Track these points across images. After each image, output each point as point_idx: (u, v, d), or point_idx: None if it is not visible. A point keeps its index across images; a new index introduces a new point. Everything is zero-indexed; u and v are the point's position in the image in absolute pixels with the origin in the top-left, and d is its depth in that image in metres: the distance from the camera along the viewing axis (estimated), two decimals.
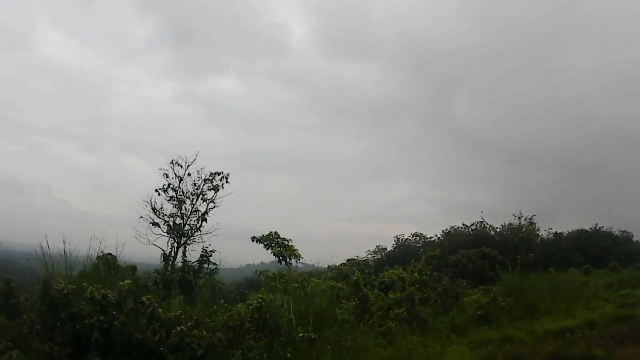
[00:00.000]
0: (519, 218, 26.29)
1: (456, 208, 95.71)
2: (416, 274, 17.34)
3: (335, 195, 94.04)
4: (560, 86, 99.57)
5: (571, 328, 11.97)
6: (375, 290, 14.31)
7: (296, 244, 12.86)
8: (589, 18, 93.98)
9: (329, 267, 18.07)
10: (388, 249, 45.23)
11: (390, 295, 13.55)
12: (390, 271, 19.27)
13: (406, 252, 41.10)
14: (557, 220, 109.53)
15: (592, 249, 43.80)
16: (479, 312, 12.53)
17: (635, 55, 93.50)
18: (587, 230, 46.61)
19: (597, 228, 46.91)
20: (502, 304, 12.93)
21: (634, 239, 48.76)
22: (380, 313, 11.47)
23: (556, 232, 46.62)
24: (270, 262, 13.62)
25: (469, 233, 37.85)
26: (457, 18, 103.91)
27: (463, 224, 39.36)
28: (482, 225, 37.77)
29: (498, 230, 37.25)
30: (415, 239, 43.79)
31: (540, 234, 38.82)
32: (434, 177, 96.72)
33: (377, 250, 45.91)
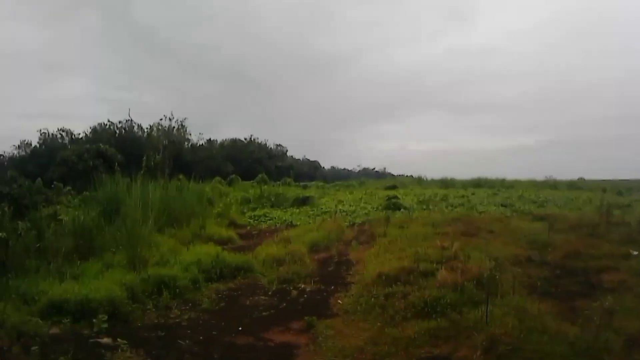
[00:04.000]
0: (170, 119, 22.72)
1: (126, 108, 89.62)
2: None
3: (10, 89, 70.76)
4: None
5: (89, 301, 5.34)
6: None
7: None
8: None
9: None
10: (33, 145, 39.12)
11: None
12: None
13: (52, 148, 34.90)
14: (219, 129, 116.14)
15: (245, 159, 44.84)
16: None
17: None
18: (242, 140, 47.56)
19: (253, 139, 48.56)
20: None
21: (288, 153, 54.21)
22: None
23: (210, 138, 46.74)
24: None
25: (115, 130, 32.02)
26: None
27: (109, 120, 35.35)
28: (130, 124, 32.77)
29: (147, 130, 33.19)
30: (62, 134, 37.60)
31: (191, 138, 37.13)
32: (109, 76, 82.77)
33: (20, 145, 39.69)
